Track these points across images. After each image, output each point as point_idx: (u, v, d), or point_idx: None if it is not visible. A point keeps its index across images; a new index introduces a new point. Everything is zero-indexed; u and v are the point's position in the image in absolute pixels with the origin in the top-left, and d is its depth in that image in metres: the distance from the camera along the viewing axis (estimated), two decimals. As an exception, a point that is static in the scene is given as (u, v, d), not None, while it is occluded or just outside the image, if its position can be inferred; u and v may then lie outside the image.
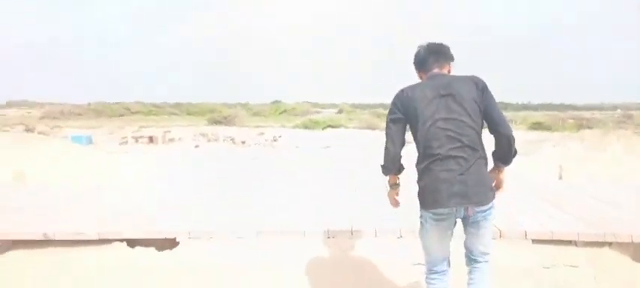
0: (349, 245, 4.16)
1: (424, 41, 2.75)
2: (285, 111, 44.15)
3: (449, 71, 2.70)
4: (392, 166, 2.69)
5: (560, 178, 9.17)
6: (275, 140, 25.02)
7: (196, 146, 20.43)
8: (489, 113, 2.50)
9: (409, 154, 2.71)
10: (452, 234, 2.61)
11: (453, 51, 2.72)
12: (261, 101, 57.68)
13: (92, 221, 4.57)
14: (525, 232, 4.15)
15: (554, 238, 4.09)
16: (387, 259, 3.95)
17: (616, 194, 5.63)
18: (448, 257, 2.70)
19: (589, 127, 26.25)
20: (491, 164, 2.61)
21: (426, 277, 2.74)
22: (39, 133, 21.54)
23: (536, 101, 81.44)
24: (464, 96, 2.46)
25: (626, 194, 5.66)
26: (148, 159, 12.91)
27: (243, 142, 23.30)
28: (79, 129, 25.85)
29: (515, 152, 2.55)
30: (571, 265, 3.94)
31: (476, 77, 2.55)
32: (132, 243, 4.28)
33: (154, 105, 46.04)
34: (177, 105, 48.15)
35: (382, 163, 2.71)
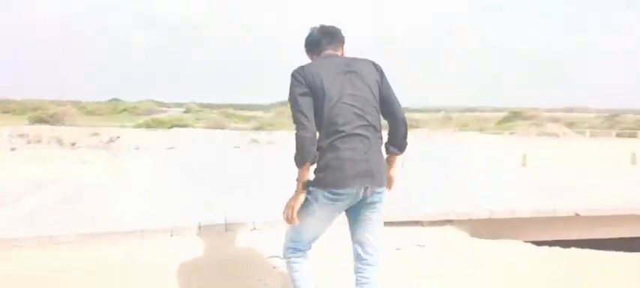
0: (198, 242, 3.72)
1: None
2: (125, 110, 40.77)
3: (342, 54, 2.56)
4: (311, 149, 2.26)
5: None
6: (112, 141, 22.86)
7: (13, 149, 17.47)
8: (387, 97, 2.42)
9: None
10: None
11: None
12: (97, 99, 52.43)
13: None
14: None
15: (404, 219, 4.17)
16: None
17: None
18: (316, 239, 2.49)
19: (417, 127, 29.51)
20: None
21: (290, 259, 2.47)
22: None
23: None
24: (366, 75, 2.38)
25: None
26: None
27: (74, 144, 20.76)
28: None
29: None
30: (418, 245, 4.05)
31: (373, 60, 2.47)
32: None
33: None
34: (-10, 101, 40.93)
35: (296, 151, 2.27)
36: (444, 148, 14.87)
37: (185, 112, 43.67)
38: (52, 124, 27.57)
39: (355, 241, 2.51)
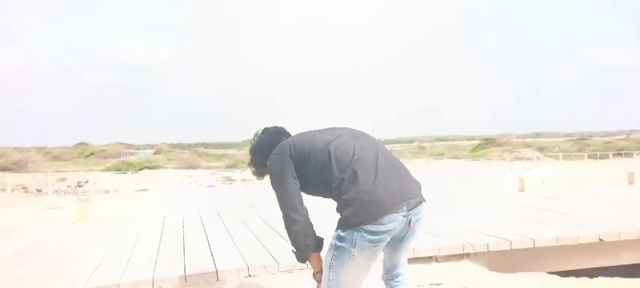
0: None
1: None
2: (92, 153, 39.43)
3: None
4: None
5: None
6: (80, 186, 21.85)
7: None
8: None
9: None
10: None
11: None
12: (63, 143, 50.67)
13: None
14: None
15: (417, 255, 3.73)
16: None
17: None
18: None
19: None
20: None
21: None
22: None
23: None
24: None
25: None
26: None
27: (39, 191, 19.70)
28: None
29: None
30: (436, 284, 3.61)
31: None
32: None
33: None
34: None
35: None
36: (432, 176, 14.64)
37: (155, 153, 42.45)
38: (16, 171, 26.25)
39: (389, 262, 2.20)
